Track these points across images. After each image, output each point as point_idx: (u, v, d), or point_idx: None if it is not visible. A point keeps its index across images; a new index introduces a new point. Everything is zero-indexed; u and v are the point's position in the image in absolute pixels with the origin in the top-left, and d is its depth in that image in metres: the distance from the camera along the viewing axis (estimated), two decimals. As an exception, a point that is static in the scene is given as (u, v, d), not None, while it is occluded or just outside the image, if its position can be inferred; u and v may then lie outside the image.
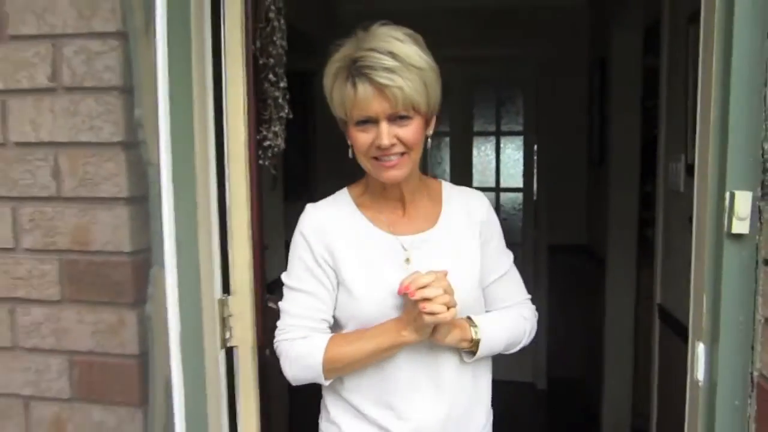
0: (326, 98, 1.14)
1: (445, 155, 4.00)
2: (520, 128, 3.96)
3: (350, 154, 1.14)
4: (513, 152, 3.98)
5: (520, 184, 3.90)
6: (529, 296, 1.33)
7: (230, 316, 1.37)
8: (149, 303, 1.16)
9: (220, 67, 1.31)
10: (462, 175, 3.86)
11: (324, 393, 1.23)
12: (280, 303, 1.19)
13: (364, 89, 1.06)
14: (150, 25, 1.02)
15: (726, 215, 1.06)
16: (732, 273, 1.07)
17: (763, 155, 1.02)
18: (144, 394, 1.19)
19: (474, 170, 3.95)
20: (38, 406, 1.23)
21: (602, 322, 3.12)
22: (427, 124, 1.14)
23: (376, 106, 1.06)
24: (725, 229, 1.06)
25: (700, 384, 1.13)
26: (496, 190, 3.95)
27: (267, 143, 1.78)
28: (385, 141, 1.07)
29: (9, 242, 1.18)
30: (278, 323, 1.19)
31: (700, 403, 1.14)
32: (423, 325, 1.07)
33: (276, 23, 1.62)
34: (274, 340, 1.19)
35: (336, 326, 1.19)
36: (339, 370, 1.15)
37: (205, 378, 1.27)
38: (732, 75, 1.03)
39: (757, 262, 1.05)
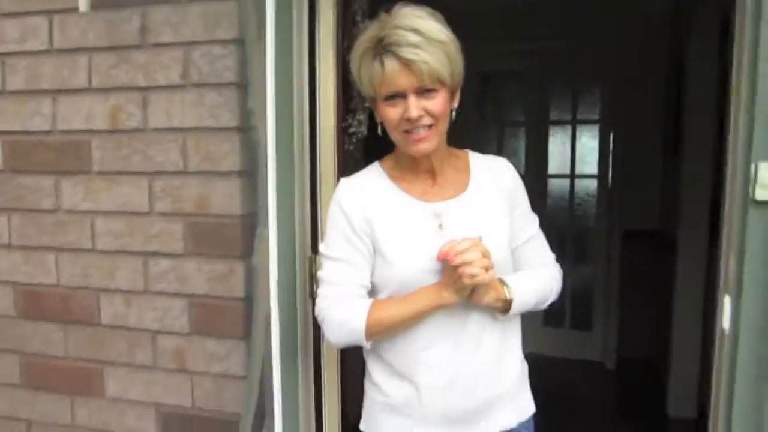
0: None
1: (521, 144, 4.15)
2: (596, 117, 4.03)
3: (379, 131, 1.22)
4: (588, 140, 4.06)
5: (595, 171, 3.98)
6: (554, 256, 1.37)
7: (317, 271, 1.63)
8: (255, 256, 1.43)
9: (314, 64, 1.57)
10: (537, 163, 3.99)
11: (366, 356, 1.30)
12: (319, 272, 1.26)
13: (391, 65, 1.12)
14: (262, 33, 1.28)
15: (751, 184, 1.21)
16: (755, 235, 1.22)
17: (780, 134, 1.17)
18: (247, 329, 1.47)
19: (550, 157, 4.07)
20: (163, 339, 1.54)
21: (672, 305, 3.18)
22: (452, 96, 1.20)
23: (404, 80, 1.13)
24: (750, 196, 1.21)
25: (725, 332, 1.29)
26: (570, 177, 4.06)
27: (352, 130, 2.03)
28: (414, 113, 1.13)
29: (145, 207, 1.49)
30: (319, 291, 1.25)
31: (724, 349, 1.30)
32: (462, 287, 1.13)
33: (362, 24, 1.87)
34: (316, 308, 1.26)
35: (372, 292, 1.24)
36: (381, 333, 1.21)
37: (297, 320, 1.53)
38: (759, 66, 1.18)
39: (779, 226, 1.19)
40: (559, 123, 4.10)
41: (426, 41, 1.11)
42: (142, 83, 1.43)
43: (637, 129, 3.78)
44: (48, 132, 1.53)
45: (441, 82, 1.14)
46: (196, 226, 1.46)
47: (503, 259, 1.24)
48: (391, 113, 1.16)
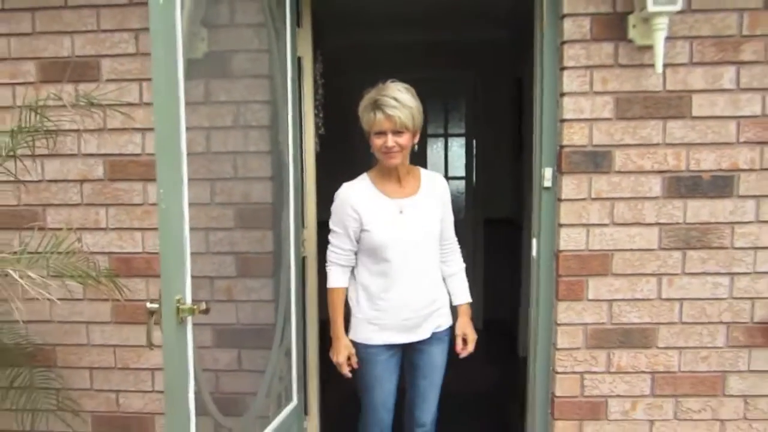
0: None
1: (406, 153, 5.49)
2: (462, 131, 5.48)
3: (371, 150, 2.25)
4: (458, 149, 5.51)
5: (463, 174, 5.43)
6: (456, 237, 2.52)
7: (304, 240, 2.80)
8: (282, 225, 2.56)
9: (302, 111, 2.72)
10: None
11: (349, 287, 2.38)
12: (329, 236, 2.35)
13: (380, 115, 2.14)
14: (285, 96, 2.43)
15: (542, 178, 2.55)
16: (546, 204, 2.56)
17: (554, 153, 2.52)
18: (276, 270, 2.58)
19: (428, 163, 5.45)
20: (218, 282, 2.59)
21: (519, 274, 4.64)
22: (413, 136, 2.23)
23: (386, 125, 2.15)
24: (542, 185, 2.56)
25: (534, 258, 2.64)
26: (445, 179, 5.45)
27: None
28: (390, 143, 2.16)
29: (208, 200, 2.56)
30: (329, 247, 2.35)
31: (533, 269, 2.64)
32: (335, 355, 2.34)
33: (319, 81, 3.04)
34: (327, 255, 2.38)
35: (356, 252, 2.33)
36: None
37: (299, 267, 2.69)
38: (543, 115, 2.52)
39: (556, 200, 2.55)
40: (435, 136, 5.51)
41: (400, 105, 2.14)
42: (206, 124, 2.51)
43: (493, 139, 5.28)
44: (138, 155, 2.56)
45: (406, 128, 2.18)
46: (242, 210, 2.55)
47: (435, 231, 2.36)
48: (377, 142, 2.21)
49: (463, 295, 2.50)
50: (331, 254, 2.37)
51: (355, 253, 2.36)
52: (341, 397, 3.30)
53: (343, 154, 4.26)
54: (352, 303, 2.40)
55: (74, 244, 2.30)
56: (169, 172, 1.67)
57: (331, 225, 2.35)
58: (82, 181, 2.58)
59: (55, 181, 2.59)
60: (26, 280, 1.71)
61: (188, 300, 1.74)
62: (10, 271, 1.67)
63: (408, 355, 2.45)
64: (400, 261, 2.27)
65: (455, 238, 2.52)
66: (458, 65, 5.19)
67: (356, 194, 2.30)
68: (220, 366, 2.51)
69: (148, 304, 1.73)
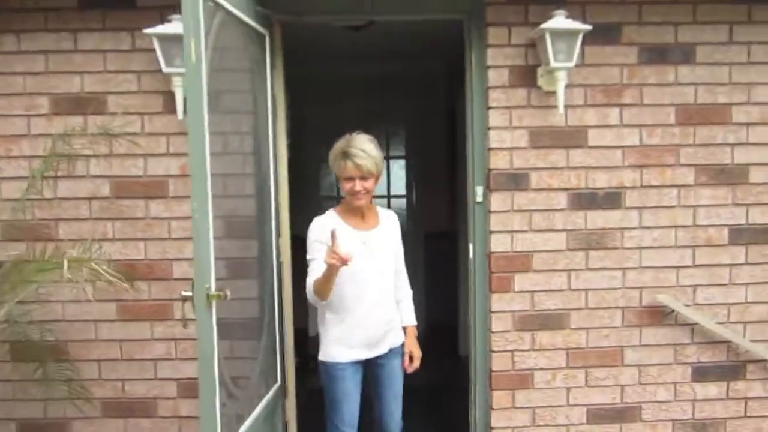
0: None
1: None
2: (403, 153, 6.21)
3: (341, 192, 2.68)
4: (398, 170, 6.23)
5: (404, 192, 6.15)
6: (405, 269, 2.90)
7: (281, 248, 3.40)
8: (265, 236, 3.15)
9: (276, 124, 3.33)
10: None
11: (320, 311, 2.66)
12: (309, 269, 2.56)
13: (349, 164, 2.50)
14: (266, 128, 3.04)
15: (475, 195, 3.26)
16: (479, 215, 3.28)
17: (484, 174, 3.24)
18: (261, 273, 3.15)
19: (373, 184, 6.15)
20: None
21: (456, 283, 5.36)
22: (376, 180, 2.58)
23: (354, 172, 2.51)
24: (474, 200, 3.27)
25: (471, 260, 3.34)
26: (387, 197, 6.17)
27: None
28: (357, 188, 2.53)
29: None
30: (308, 279, 2.54)
31: (471, 269, 3.35)
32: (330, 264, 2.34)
33: (287, 113, 3.68)
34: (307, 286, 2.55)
35: None
36: (318, 290, 2.47)
37: (278, 270, 3.29)
38: (474, 144, 3.24)
39: (486, 212, 3.26)
40: (378, 158, 6.21)
41: (366, 155, 2.52)
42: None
43: (431, 161, 6.03)
44: (140, 176, 3.11)
45: (371, 174, 2.56)
46: (230, 221, 3.13)
47: (392, 260, 2.76)
48: (346, 186, 2.58)
49: (410, 318, 2.90)
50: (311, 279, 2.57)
51: None
52: (312, 387, 3.87)
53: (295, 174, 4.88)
54: (319, 324, 2.76)
55: (96, 252, 2.82)
56: (200, 189, 2.27)
57: (309, 256, 2.64)
58: (91, 199, 3.11)
59: (67, 198, 3.10)
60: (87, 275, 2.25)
61: (213, 289, 2.33)
62: (95, 266, 2.20)
63: (371, 370, 2.79)
64: (364, 285, 2.64)
65: (405, 269, 2.94)
66: (399, 95, 5.94)
67: (326, 225, 2.59)
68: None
69: (183, 292, 2.31)
